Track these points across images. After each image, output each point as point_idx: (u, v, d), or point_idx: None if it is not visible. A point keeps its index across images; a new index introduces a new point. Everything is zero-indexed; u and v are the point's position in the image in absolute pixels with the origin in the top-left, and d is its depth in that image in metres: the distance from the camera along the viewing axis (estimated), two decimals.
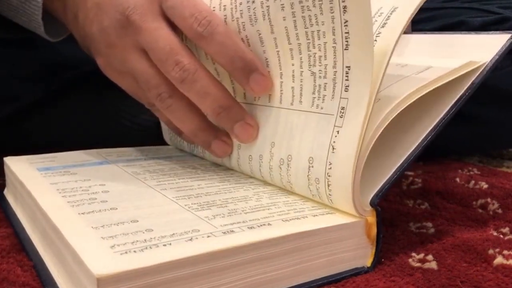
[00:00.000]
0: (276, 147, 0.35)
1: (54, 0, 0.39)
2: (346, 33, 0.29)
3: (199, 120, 0.37)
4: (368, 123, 0.29)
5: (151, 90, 0.36)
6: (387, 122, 0.30)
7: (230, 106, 0.36)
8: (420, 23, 0.49)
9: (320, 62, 0.31)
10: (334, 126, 0.31)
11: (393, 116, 0.30)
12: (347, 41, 0.29)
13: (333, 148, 0.30)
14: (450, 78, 0.33)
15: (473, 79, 0.34)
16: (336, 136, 0.30)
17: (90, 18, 0.36)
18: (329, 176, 0.31)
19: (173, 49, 0.34)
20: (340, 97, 0.30)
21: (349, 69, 0.30)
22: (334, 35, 0.29)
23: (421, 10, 0.48)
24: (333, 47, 0.30)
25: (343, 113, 0.30)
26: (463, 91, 0.34)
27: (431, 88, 0.32)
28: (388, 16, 0.31)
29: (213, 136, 0.38)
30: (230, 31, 0.34)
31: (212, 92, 0.35)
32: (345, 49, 0.29)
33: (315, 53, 0.31)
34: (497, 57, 0.35)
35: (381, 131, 0.30)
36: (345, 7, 0.28)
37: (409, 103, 0.31)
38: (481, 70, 0.34)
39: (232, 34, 0.34)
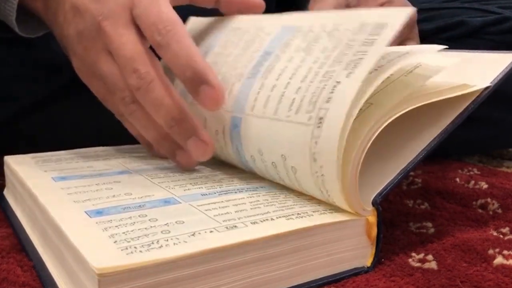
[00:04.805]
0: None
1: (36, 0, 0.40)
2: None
3: (161, 128, 0.37)
4: (360, 128, 0.29)
5: (116, 93, 0.36)
6: (381, 128, 0.30)
7: (183, 120, 0.35)
8: (420, 23, 0.49)
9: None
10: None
11: (388, 122, 0.30)
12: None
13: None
14: (451, 95, 0.33)
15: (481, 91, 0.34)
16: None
17: (68, 20, 0.37)
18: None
19: (133, 57, 0.35)
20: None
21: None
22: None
23: (421, 10, 0.48)
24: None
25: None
26: (470, 102, 0.34)
27: (427, 102, 0.32)
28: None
29: (177, 146, 0.38)
30: (186, 41, 0.35)
31: (166, 104, 0.35)
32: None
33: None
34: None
35: (376, 135, 0.30)
36: None
37: (403, 111, 0.31)
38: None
39: (188, 44, 0.35)
